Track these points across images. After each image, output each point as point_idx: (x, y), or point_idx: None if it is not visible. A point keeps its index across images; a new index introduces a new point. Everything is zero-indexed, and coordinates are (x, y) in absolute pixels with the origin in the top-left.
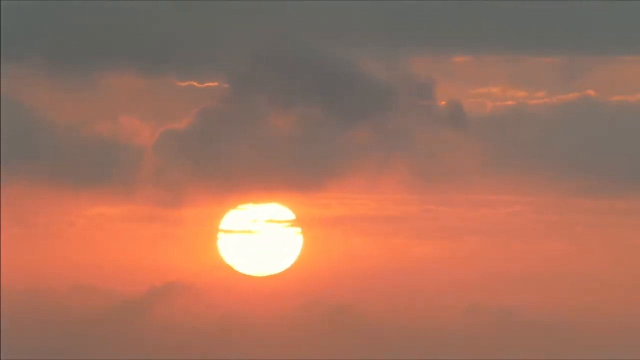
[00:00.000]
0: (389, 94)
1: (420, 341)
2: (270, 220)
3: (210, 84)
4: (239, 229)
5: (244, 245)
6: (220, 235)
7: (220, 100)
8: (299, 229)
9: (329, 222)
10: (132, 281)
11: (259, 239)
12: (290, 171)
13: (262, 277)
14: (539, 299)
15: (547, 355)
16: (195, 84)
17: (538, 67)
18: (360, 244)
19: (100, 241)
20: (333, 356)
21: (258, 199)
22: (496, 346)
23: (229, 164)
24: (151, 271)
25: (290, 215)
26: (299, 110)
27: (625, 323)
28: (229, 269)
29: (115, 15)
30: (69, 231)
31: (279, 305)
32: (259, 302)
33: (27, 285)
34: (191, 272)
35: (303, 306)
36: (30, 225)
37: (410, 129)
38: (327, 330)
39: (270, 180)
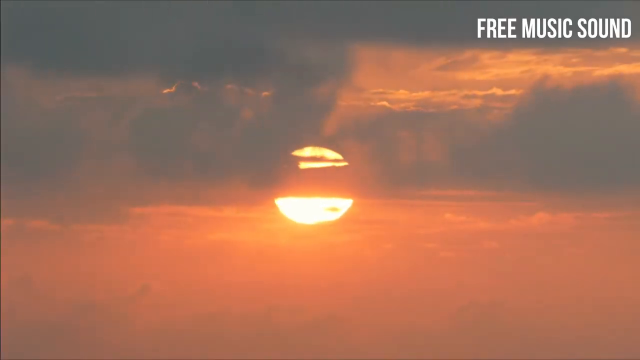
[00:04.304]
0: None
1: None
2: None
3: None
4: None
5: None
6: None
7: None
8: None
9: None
10: (127, 281)
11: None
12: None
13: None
14: (556, 302)
15: (556, 356)
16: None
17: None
18: (390, 248)
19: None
20: (337, 356)
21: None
22: (509, 346)
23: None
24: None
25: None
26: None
27: (633, 328)
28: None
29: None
30: (70, 230)
31: (275, 304)
32: (256, 299)
33: (26, 286)
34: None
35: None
36: (30, 226)
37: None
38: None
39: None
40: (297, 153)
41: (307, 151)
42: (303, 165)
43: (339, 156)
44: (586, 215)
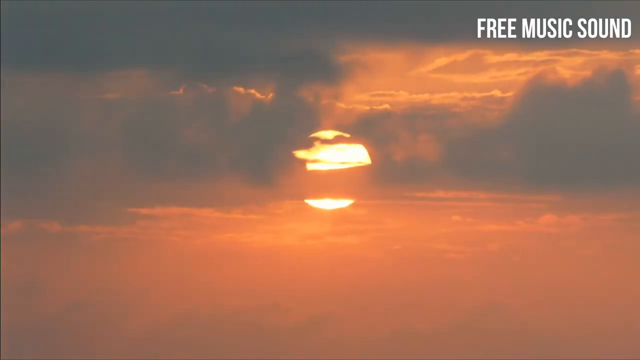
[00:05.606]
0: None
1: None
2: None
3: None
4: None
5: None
6: None
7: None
8: None
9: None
10: (133, 282)
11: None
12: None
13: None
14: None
15: (562, 356)
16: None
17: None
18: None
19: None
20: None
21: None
22: (516, 347)
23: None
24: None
25: None
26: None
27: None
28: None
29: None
30: (76, 232)
31: (280, 305)
32: (260, 300)
33: (30, 286)
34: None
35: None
36: (37, 228)
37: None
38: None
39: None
40: (300, 153)
41: (313, 150)
42: (309, 166)
43: (360, 149)
44: (593, 217)
